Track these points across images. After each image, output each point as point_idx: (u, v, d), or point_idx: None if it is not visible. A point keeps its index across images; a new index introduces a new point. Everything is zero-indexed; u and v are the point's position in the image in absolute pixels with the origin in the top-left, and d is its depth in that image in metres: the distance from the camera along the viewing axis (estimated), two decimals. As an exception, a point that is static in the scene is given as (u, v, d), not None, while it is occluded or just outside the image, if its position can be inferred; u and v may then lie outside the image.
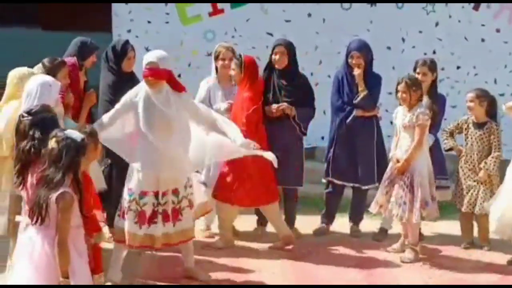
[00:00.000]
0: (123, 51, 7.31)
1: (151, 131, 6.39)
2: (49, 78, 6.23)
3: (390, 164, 7.41)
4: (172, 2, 9.54)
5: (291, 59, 7.71)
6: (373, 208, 7.47)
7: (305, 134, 7.81)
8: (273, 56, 7.70)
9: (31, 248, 4.97)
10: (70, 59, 7.08)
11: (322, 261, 7.29)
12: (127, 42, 7.48)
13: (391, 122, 7.71)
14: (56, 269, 4.91)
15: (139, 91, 6.47)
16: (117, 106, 6.56)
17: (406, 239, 7.45)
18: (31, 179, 5.11)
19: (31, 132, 5.18)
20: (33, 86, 6.03)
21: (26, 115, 5.31)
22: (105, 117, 6.59)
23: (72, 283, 4.90)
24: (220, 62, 7.71)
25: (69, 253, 4.92)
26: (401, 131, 7.33)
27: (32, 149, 5.12)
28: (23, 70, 6.49)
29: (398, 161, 7.29)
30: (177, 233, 6.55)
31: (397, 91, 7.34)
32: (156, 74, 6.38)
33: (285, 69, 7.69)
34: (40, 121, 5.25)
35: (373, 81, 7.87)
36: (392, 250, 7.51)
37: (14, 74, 6.46)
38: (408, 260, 7.27)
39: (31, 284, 4.93)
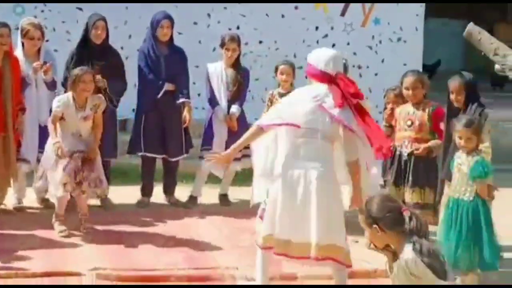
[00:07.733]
0: None
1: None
2: None
3: None
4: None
5: (107, 33, 7.79)
6: None
7: (116, 106, 7.93)
8: (92, 32, 7.69)
9: None
10: None
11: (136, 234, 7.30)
12: None
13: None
14: None
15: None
16: None
17: None
18: None
19: None
20: None
21: None
22: None
23: None
24: (28, 41, 7.61)
25: None
26: None
27: None
28: None
29: None
30: None
31: None
32: None
33: (100, 44, 7.77)
34: None
35: (184, 58, 8.14)
36: None
37: None
38: None
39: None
